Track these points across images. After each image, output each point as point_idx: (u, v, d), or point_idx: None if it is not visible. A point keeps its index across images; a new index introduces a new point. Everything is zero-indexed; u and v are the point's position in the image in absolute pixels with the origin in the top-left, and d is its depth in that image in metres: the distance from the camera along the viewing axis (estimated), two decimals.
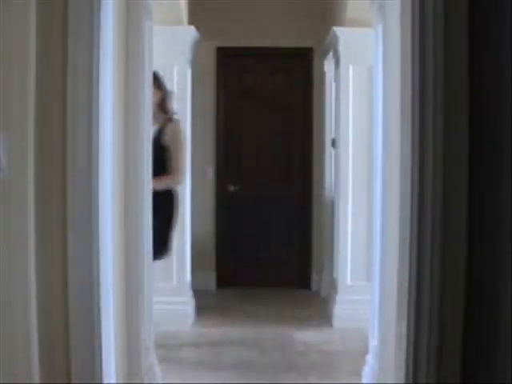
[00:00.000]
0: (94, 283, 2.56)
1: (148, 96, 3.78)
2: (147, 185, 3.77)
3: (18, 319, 2.20)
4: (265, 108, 7.23)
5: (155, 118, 4.30)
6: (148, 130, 3.79)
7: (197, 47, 5.94)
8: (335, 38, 5.67)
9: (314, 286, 7.08)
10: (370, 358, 4.02)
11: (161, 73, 4.79)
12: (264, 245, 7.25)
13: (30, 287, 2.29)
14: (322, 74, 6.89)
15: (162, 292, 5.15)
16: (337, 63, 5.79)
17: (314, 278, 7.09)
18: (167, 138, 4.71)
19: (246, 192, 7.23)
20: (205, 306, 6.23)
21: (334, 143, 5.99)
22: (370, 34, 4.18)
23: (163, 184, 4.62)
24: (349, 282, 5.63)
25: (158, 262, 4.78)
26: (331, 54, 6.13)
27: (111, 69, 2.88)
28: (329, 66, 6.55)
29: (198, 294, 6.19)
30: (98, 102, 2.57)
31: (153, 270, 4.01)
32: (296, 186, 7.27)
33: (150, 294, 3.89)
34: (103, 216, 2.69)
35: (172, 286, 5.53)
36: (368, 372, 4.00)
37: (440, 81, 2.28)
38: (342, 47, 5.60)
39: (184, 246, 5.63)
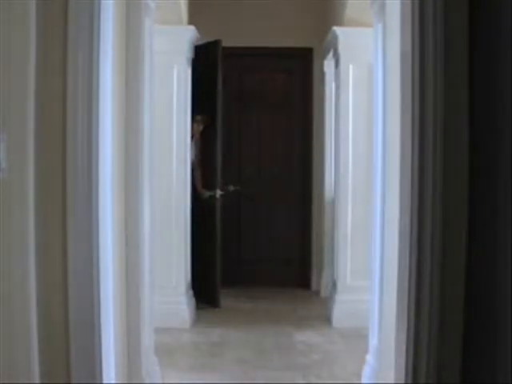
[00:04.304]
0: (94, 283, 2.56)
1: (148, 96, 3.78)
2: (148, 184, 3.77)
3: (18, 319, 2.20)
4: (265, 108, 7.23)
5: None
6: (148, 130, 3.79)
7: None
8: (335, 37, 5.67)
9: (313, 286, 7.08)
10: (370, 358, 4.03)
11: (161, 72, 4.80)
12: (264, 245, 7.25)
13: (30, 287, 2.29)
14: (322, 74, 6.89)
15: (162, 292, 5.16)
16: (337, 63, 5.79)
17: (314, 277, 7.09)
18: None
19: (246, 192, 7.23)
20: (205, 305, 6.23)
21: None
22: (370, 34, 4.18)
23: None
24: (349, 281, 5.63)
25: (158, 262, 4.79)
26: (331, 53, 6.13)
27: (111, 69, 2.88)
28: (329, 65, 6.56)
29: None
30: (97, 102, 2.57)
31: (153, 270, 4.01)
32: (296, 185, 7.27)
33: (150, 293, 3.89)
34: (103, 216, 2.69)
35: (172, 286, 5.53)
36: (368, 372, 4.00)
37: (440, 81, 2.28)
38: (341, 47, 5.60)
39: (184, 246, 5.63)
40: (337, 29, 5.64)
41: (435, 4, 2.29)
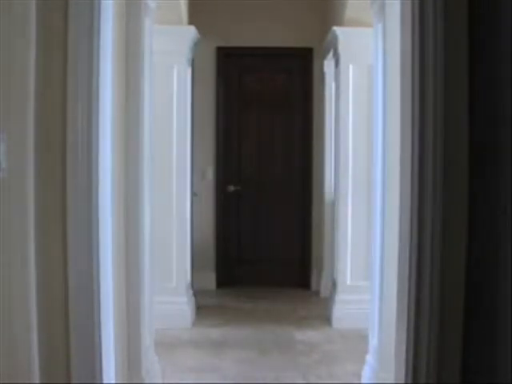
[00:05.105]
0: (94, 283, 2.56)
1: (148, 96, 3.78)
2: (148, 184, 3.77)
3: (18, 319, 2.20)
4: (265, 108, 7.23)
5: None
6: (148, 130, 3.79)
7: (197, 47, 5.94)
8: (335, 37, 5.67)
9: (313, 286, 7.08)
10: (370, 358, 4.03)
11: (161, 72, 4.79)
12: (264, 245, 7.26)
13: (30, 287, 2.29)
14: (322, 74, 6.89)
15: (162, 292, 5.16)
16: (337, 63, 5.79)
17: (314, 277, 7.09)
18: None
19: (246, 192, 7.23)
20: (205, 305, 6.24)
21: None
22: (370, 34, 4.18)
23: None
24: (349, 281, 5.63)
25: (159, 262, 4.78)
26: (331, 53, 6.13)
27: (111, 69, 2.89)
28: (329, 65, 6.56)
29: (198, 293, 6.20)
30: (97, 102, 2.57)
31: (153, 270, 4.01)
32: (296, 185, 7.27)
33: (150, 293, 3.89)
34: (103, 216, 2.69)
35: (172, 286, 5.54)
36: (368, 372, 4.00)
37: (440, 81, 2.28)
38: (341, 47, 5.61)
39: (184, 246, 5.63)
40: (337, 29, 5.64)
41: (435, 4, 2.29)
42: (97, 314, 2.57)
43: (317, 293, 6.90)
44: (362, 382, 4.09)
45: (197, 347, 5.07)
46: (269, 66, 7.27)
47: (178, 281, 5.58)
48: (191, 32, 5.66)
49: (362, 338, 4.58)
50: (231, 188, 7.22)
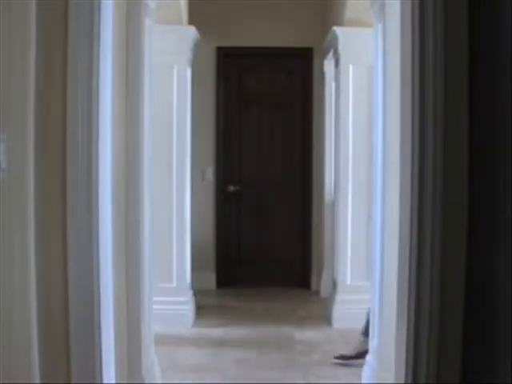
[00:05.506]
0: (94, 283, 2.56)
1: (148, 96, 3.78)
2: (148, 184, 3.77)
3: (18, 319, 2.20)
4: (265, 108, 7.24)
5: None
6: (148, 130, 3.79)
7: (197, 47, 5.95)
8: (335, 37, 5.67)
9: (313, 286, 7.08)
10: (370, 358, 4.03)
11: (161, 72, 4.80)
12: (264, 245, 7.25)
13: (30, 287, 2.29)
14: (322, 74, 6.89)
15: (162, 292, 5.17)
16: (337, 63, 5.79)
17: (314, 277, 7.09)
18: None
19: (246, 192, 7.23)
20: (205, 305, 6.24)
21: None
22: (370, 34, 4.18)
23: None
24: (349, 281, 5.63)
25: (159, 263, 4.78)
26: (331, 53, 6.13)
27: (111, 68, 2.88)
28: (329, 65, 6.56)
29: (198, 293, 6.20)
30: (97, 102, 2.57)
31: (153, 270, 4.01)
32: (296, 185, 7.27)
33: (150, 293, 3.89)
34: (103, 216, 2.69)
35: (172, 286, 5.54)
36: (368, 372, 4.00)
37: (440, 80, 2.28)
38: (341, 47, 5.61)
39: (184, 246, 5.64)
40: (337, 29, 5.65)
41: (435, 4, 2.29)
42: (97, 314, 2.57)
43: (317, 293, 6.90)
44: (362, 382, 4.09)
45: (197, 347, 5.07)
46: (269, 65, 7.27)
47: (178, 281, 5.58)
48: (191, 32, 5.66)
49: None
50: (231, 188, 7.22)
